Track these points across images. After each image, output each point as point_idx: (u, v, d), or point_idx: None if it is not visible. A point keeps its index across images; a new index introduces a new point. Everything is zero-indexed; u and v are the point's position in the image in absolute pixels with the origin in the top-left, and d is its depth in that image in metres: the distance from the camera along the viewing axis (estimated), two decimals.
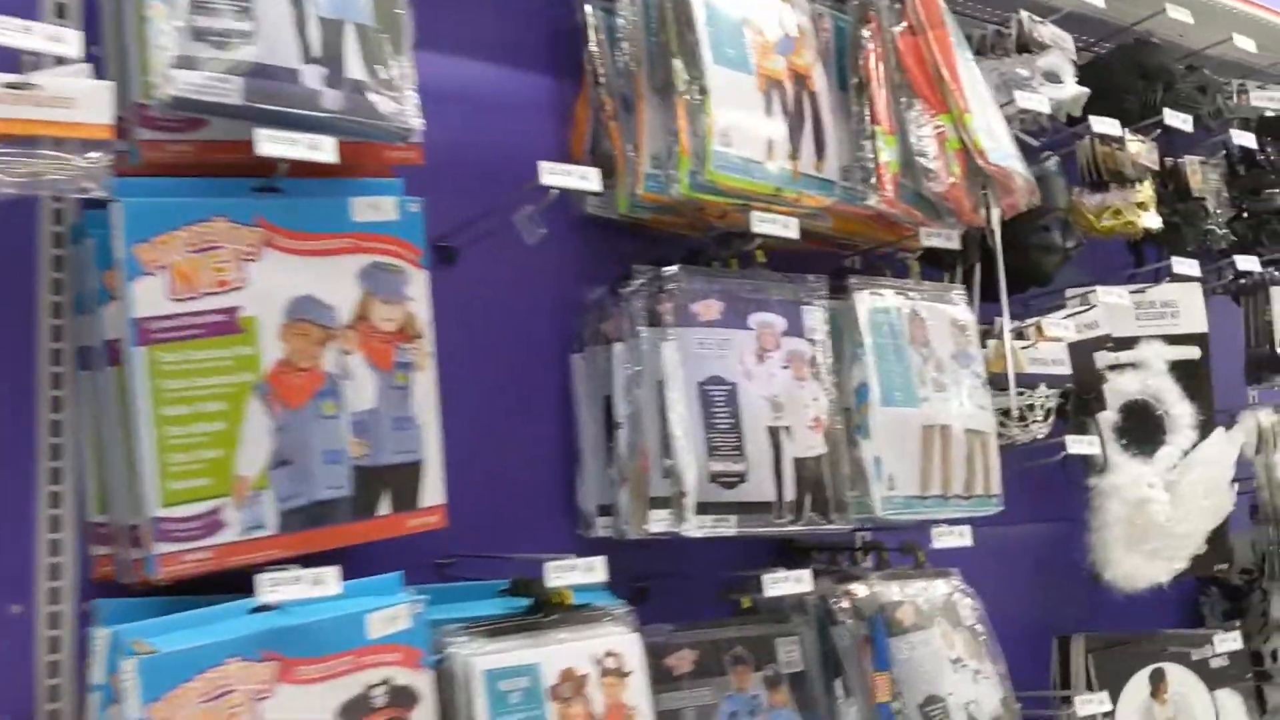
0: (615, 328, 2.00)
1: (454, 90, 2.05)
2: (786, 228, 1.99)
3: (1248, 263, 2.79)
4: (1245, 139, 2.86)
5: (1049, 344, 2.38)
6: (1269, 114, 3.05)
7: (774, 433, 1.97)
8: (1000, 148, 2.11)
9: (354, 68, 1.53)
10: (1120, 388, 2.63)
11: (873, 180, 2.10)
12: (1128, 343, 2.67)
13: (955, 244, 2.24)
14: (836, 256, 2.37)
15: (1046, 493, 2.64)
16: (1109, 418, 2.60)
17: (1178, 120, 2.65)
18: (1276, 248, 3.07)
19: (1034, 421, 2.36)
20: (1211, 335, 2.82)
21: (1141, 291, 2.68)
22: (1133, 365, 2.66)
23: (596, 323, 2.06)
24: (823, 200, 2.06)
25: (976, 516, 2.22)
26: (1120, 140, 2.60)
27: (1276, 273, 2.96)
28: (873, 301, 2.14)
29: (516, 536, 2.02)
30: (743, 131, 1.92)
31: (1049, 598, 2.74)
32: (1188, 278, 2.62)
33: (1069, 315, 2.49)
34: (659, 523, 1.89)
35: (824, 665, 2.13)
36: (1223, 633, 2.71)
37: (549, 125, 2.13)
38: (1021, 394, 2.35)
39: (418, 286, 1.66)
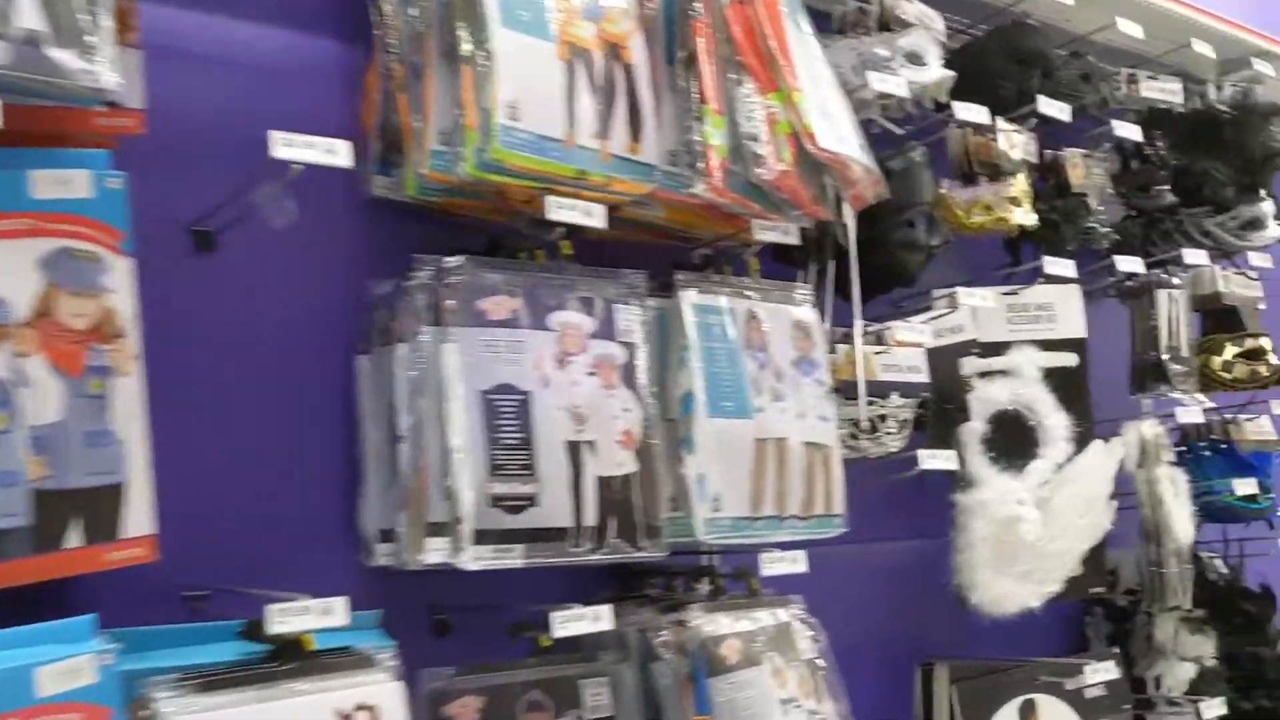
0: (401, 326, 1.77)
1: (224, 54, 1.81)
2: (590, 215, 1.76)
3: (1128, 264, 2.60)
4: (1129, 131, 2.67)
5: (905, 350, 2.17)
6: (1160, 106, 2.87)
7: (574, 448, 1.74)
8: (836, 132, 1.89)
9: (28, 16, 1.27)
10: (989, 397, 2.43)
11: (700, 165, 1.87)
12: (997, 348, 2.47)
13: (794, 238, 2.02)
14: (682, 251, 2.14)
15: (908, 509, 2.44)
16: (976, 429, 2.40)
17: (1054, 109, 2.46)
18: (1168, 248, 2.91)
19: (886, 433, 2.16)
20: (1095, 341, 2.64)
21: (1014, 294, 2.48)
22: (1003, 373, 2.45)
23: (386, 320, 1.82)
24: (639, 186, 1.83)
25: (816, 539, 2.01)
26: (993, 130, 2.40)
27: (1164, 275, 2.79)
28: (700, 300, 1.92)
29: (292, 565, 1.79)
30: (536, 105, 1.68)
31: (912, 624, 2.55)
32: (1060, 279, 2.42)
33: (931, 318, 2.29)
34: (435, 552, 1.66)
35: (644, 708, 1.92)
36: (1096, 661, 2.52)
37: (337, 96, 1.89)
38: (873, 404, 2.14)
39: (120, 277, 1.40)
